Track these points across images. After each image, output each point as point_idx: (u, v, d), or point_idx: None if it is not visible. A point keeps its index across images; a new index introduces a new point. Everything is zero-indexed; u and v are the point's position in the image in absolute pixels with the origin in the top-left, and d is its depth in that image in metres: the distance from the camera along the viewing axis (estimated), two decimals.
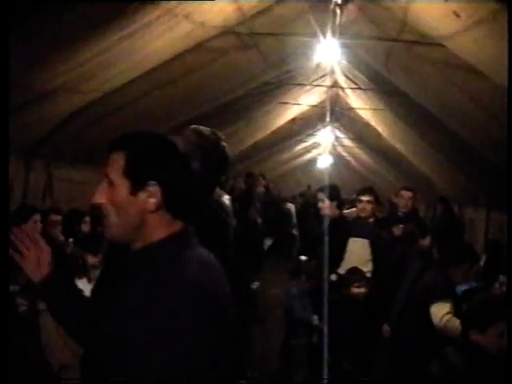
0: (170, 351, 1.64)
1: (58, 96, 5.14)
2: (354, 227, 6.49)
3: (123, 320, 1.71)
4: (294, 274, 6.39)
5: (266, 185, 13.96)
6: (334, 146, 19.12)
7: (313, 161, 22.33)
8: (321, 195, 6.45)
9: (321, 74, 9.61)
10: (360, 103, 11.03)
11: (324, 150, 19.43)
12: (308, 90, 10.77)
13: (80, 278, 4.48)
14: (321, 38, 6.09)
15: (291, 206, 14.69)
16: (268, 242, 11.84)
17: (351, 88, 10.17)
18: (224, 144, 3.02)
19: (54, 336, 3.86)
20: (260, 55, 7.07)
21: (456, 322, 4.12)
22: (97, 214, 1.89)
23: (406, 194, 7.29)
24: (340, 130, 16.43)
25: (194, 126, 3.02)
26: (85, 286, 3.93)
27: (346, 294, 6.00)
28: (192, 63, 6.31)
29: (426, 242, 6.30)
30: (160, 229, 1.81)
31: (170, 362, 1.64)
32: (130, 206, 1.78)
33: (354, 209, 6.90)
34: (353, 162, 20.71)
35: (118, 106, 6.26)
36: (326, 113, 12.48)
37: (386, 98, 8.78)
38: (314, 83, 10.17)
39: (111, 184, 1.79)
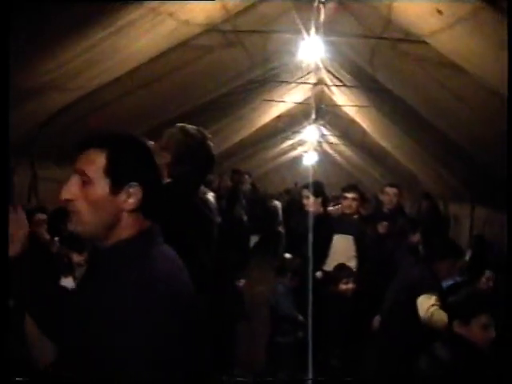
0: (139, 348, 1.66)
1: (43, 94, 5.13)
2: (339, 224, 6.53)
3: (93, 317, 1.73)
4: (279, 272, 6.40)
5: (252, 182, 13.97)
6: (319, 143, 19.14)
7: (298, 158, 22.36)
8: (305, 192, 6.48)
9: (306, 71, 9.62)
10: (345, 100, 11.06)
11: (309, 147, 19.47)
12: (293, 88, 10.77)
13: (66, 276, 4.47)
14: (305, 35, 6.10)
15: (277, 204, 14.71)
16: (254, 240, 11.86)
17: (336, 85, 10.19)
18: (210, 143, 3.03)
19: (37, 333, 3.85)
20: (245, 53, 7.07)
21: (441, 314, 4.16)
22: (64, 210, 1.88)
23: (391, 190, 7.33)
24: (325, 127, 16.43)
25: (180, 125, 3.03)
26: (70, 285, 3.93)
27: (334, 291, 6.02)
28: (176, 61, 6.31)
29: (416, 237, 6.35)
30: (130, 227, 1.84)
31: (140, 359, 1.66)
32: (109, 205, 1.80)
33: (338, 206, 6.93)
34: (338, 159, 20.73)
35: (102, 104, 6.25)
36: (312, 110, 12.51)
37: (371, 95, 8.80)
38: (299, 80, 10.18)
39: (88, 181, 1.79)
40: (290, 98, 11.74)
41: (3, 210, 1.90)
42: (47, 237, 5.38)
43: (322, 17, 5.89)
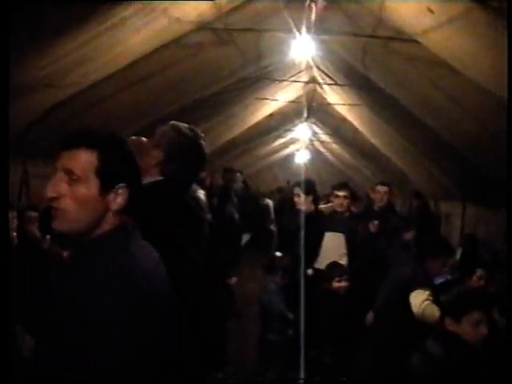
0: (115, 340, 1.70)
1: (34, 91, 5.11)
2: (330, 222, 6.55)
3: (68, 309, 1.75)
4: (270, 270, 6.41)
5: (244, 180, 13.97)
6: (311, 141, 19.17)
7: (290, 156, 22.37)
8: (297, 190, 6.50)
9: (298, 69, 9.63)
10: (337, 99, 11.07)
11: (301, 145, 19.49)
12: (285, 86, 10.78)
13: None
14: (297, 33, 6.11)
15: (269, 202, 14.71)
16: (246, 238, 11.86)
17: (328, 84, 10.20)
18: (202, 142, 3.03)
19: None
20: (237, 51, 7.08)
21: (434, 309, 4.19)
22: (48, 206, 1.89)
23: (382, 188, 7.37)
24: (317, 126, 16.45)
25: (172, 122, 3.03)
26: None
27: (327, 289, 6.04)
28: (169, 59, 6.30)
29: (409, 235, 6.38)
30: (110, 223, 1.87)
31: (115, 351, 1.69)
32: (97, 204, 1.83)
33: (330, 204, 6.95)
34: (330, 157, 20.75)
35: (94, 101, 6.24)
36: (303, 108, 12.53)
37: (362, 93, 8.82)
38: (291, 79, 10.18)
39: (77, 180, 1.81)
40: (282, 96, 11.74)
41: (3, 209, 1.90)
42: (38, 234, 5.37)
43: (314, 15, 5.90)
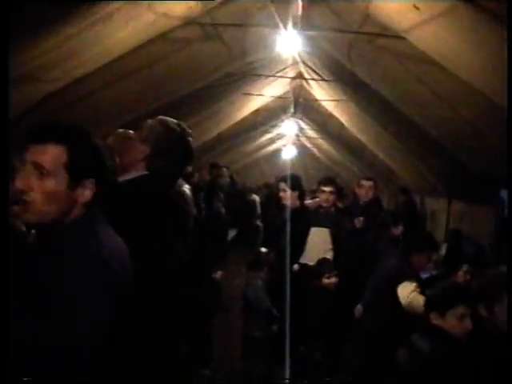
0: (79, 324, 1.75)
1: (20, 86, 5.08)
2: (316, 217, 6.55)
3: (40, 292, 1.77)
4: (254, 266, 6.40)
5: (231, 176, 13.95)
6: (298, 137, 19.17)
7: (277, 152, 22.35)
8: (282, 185, 6.50)
9: (284, 65, 9.63)
10: (323, 94, 11.08)
11: (288, 141, 19.48)
12: (272, 81, 10.77)
13: None
14: (283, 29, 6.11)
15: (256, 197, 14.72)
16: (232, 233, 11.86)
17: (314, 79, 10.20)
18: (190, 138, 3.03)
19: None
20: (223, 46, 7.06)
21: (421, 300, 4.22)
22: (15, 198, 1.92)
23: (367, 183, 7.43)
24: (304, 121, 16.46)
25: (160, 117, 3.03)
26: None
27: (316, 285, 6.05)
28: (155, 54, 6.28)
29: (398, 230, 6.42)
30: (77, 213, 1.93)
31: (78, 337, 1.75)
32: (65, 198, 1.88)
33: (316, 199, 6.96)
34: (317, 152, 20.77)
35: (80, 96, 6.21)
36: (290, 104, 12.53)
37: (349, 89, 8.83)
38: (278, 74, 10.18)
39: (46, 174, 1.85)
40: (269, 91, 11.73)
41: (3, 208, 1.92)
42: (24, 229, 5.35)
43: (300, 11, 5.90)
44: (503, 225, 8.03)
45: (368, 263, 5.99)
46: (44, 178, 1.84)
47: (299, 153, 20.66)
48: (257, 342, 6.19)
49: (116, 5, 4.46)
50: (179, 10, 5.39)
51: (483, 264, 5.82)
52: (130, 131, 3.02)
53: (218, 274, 6.47)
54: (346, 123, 11.89)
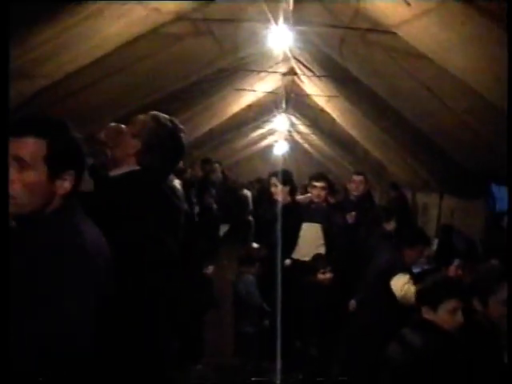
0: (66, 306, 1.79)
1: (12, 81, 5.05)
2: (307, 212, 6.57)
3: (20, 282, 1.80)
4: (244, 261, 6.39)
5: (223, 171, 13.95)
6: (289, 132, 19.16)
7: (269, 147, 22.32)
8: (273, 180, 6.51)
9: (276, 60, 9.62)
10: (315, 90, 11.07)
11: (280, 136, 19.47)
12: (263, 77, 10.76)
13: None
14: (274, 24, 6.10)
15: (247, 193, 14.71)
16: (224, 229, 11.87)
17: (306, 75, 10.20)
18: (182, 134, 3.03)
19: None
20: (215, 41, 7.05)
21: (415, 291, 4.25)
22: None
23: (357, 178, 7.49)
24: (295, 117, 16.46)
25: (152, 113, 3.02)
26: None
27: (312, 281, 6.06)
28: (147, 49, 6.26)
29: (390, 226, 6.45)
30: (56, 204, 1.97)
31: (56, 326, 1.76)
32: (45, 190, 1.92)
33: (308, 194, 6.98)
34: (309, 148, 20.78)
35: (70, 92, 6.18)
36: (282, 99, 12.52)
37: (340, 84, 8.83)
38: (270, 70, 10.17)
39: (26, 167, 1.88)
40: (261, 87, 11.73)
41: (3, 207, 1.92)
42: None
43: (291, 6, 5.89)
44: (494, 219, 8.07)
45: (360, 258, 6.01)
46: (24, 171, 1.88)
47: (291, 148, 20.66)
48: (248, 338, 6.20)
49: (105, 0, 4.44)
50: (171, 5, 5.37)
51: (474, 259, 5.84)
52: (122, 125, 3.02)
53: (210, 270, 6.45)
54: (337, 119, 11.90)
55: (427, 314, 3.55)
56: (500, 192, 7.83)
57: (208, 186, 9.86)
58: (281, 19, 6.00)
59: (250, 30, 6.96)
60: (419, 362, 3.32)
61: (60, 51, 4.99)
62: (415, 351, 3.39)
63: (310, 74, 9.87)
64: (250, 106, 13.74)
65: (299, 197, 7.08)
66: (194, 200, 9.05)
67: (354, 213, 6.79)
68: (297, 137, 20.20)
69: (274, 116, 15.62)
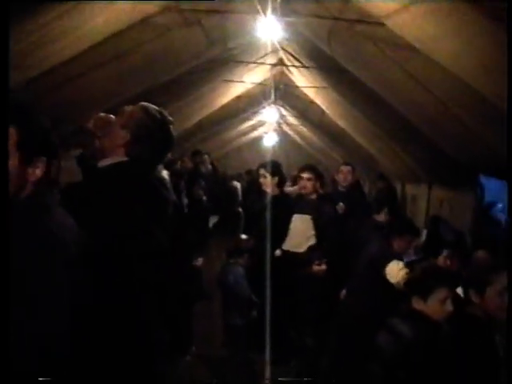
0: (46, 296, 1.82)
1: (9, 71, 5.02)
2: (297, 204, 6.58)
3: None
4: (233, 253, 6.39)
5: (212, 162, 13.95)
6: (279, 123, 19.16)
7: (259, 139, 22.33)
8: (262, 171, 6.52)
9: (265, 51, 9.60)
10: (304, 81, 11.07)
11: (269, 128, 19.47)
12: (252, 68, 10.74)
13: None
14: (262, 15, 6.09)
15: (237, 184, 14.72)
16: (213, 220, 11.87)
17: (295, 66, 10.19)
18: (171, 126, 3.02)
19: None
20: (203, 32, 7.03)
21: None
22: None
23: (345, 168, 7.55)
24: (285, 108, 16.46)
25: (142, 104, 3.01)
26: None
27: (307, 272, 6.08)
28: (134, 40, 6.24)
29: (381, 217, 6.47)
30: (28, 190, 2.00)
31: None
32: (17, 176, 1.94)
33: (296, 186, 6.99)
34: (298, 139, 20.79)
35: (60, 82, 6.15)
36: (271, 91, 12.51)
37: (329, 75, 8.83)
38: (258, 61, 10.15)
39: None
40: (250, 78, 11.71)
41: (3, 206, 1.93)
42: None
43: None
44: (482, 210, 8.11)
45: (350, 249, 6.03)
46: None
47: (281, 140, 20.68)
48: (237, 329, 6.21)
49: None
50: None
51: (463, 249, 5.87)
52: (111, 116, 3.01)
53: (199, 261, 6.45)
54: (326, 110, 11.90)
55: (417, 303, 3.56)
56: (489, 183, 7.86)
57: (198, 178, 9.85)
58: (269, 10, 5.98)
59: (238, 21, 6.95)
60: (409, 353, 3.34)
61: (45, 43, 4.96)
62: (405, 342, 3.40)
63: (298, 64, 9.87)
64: (239, 98, 13.71)
65: (288, 188, 7.09)
66: (184, 191, 9.06)
67: (342, 204, 6.82)
68: (286, 128, 20.20)
69: (264, 107, 15.61)
